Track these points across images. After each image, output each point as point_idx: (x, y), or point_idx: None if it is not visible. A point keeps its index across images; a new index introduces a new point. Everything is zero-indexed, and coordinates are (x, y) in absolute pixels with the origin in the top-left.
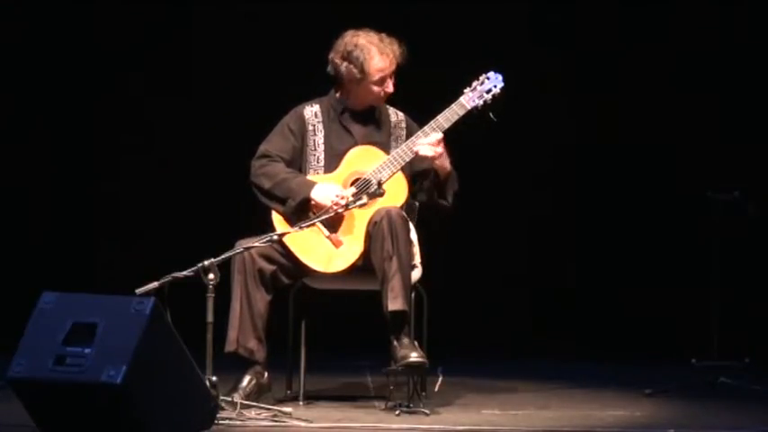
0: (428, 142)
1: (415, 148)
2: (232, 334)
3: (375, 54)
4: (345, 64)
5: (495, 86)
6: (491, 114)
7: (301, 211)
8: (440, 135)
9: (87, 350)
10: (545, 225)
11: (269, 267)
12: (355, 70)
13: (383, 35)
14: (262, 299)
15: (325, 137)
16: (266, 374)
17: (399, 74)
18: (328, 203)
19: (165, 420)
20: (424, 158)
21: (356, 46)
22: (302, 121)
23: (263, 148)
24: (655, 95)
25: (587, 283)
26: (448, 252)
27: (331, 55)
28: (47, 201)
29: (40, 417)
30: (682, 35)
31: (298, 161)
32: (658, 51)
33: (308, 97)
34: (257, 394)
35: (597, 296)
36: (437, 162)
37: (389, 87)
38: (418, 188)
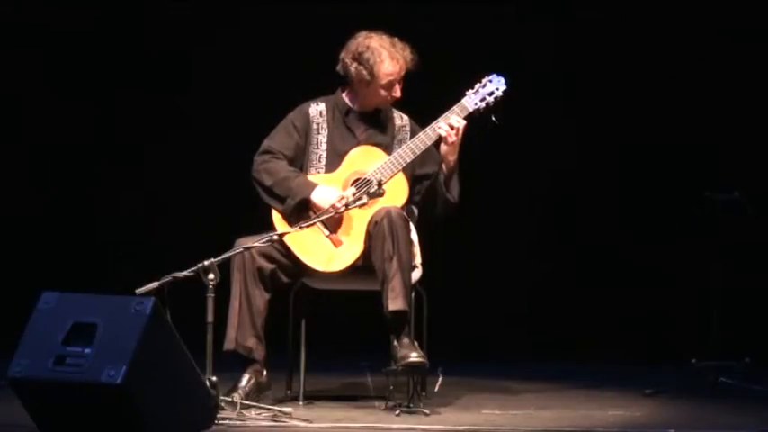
0: (450, 123)
1: (437, 125)
2: (231, 332)
3: (386, 58)
4: (355, 65)
5: (498, 89)
6: (493, 117)
7: (300, 211)
8: (464, 122)
9: (87, 350)
10: (545, 225)
11: (268, 266)
12: (365, 72)
13: (396, 39)
14: (261, 297)
15: (329, 136)
16: (265, 373)
17: (418, 63)
18: (327, 207)
19: (165, 420)
20: (435, 150)
21: (368, 48)
22: (307, 119)
23: (266, 144)
24: (655, 95)
25: (587, 282)
26: (448, 252)
27: (342, 54)
28: (47, 201)
29: (40, 417)
30: (679, 34)
31: (300, 159)
32: (658, 51)
33: (311, 96)
34: (257, 393)
35: (597, 296)
36: (444, 149)
37: (397, 92)
38: (416, 191)
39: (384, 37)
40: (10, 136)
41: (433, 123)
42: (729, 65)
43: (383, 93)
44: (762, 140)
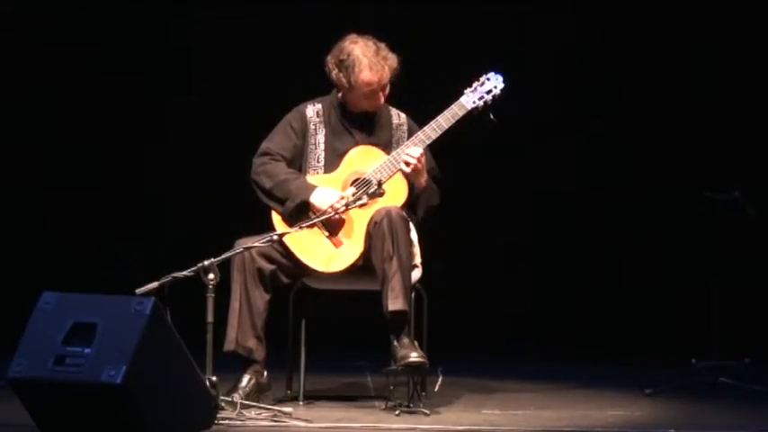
0: (410, 155)
1: (402, 158)
2: (231, 333)
3: (365, 68)
4: (336, 71)
5: (496, 87)
6: (491, 115)
7: (299, 213)
8: (420, 150)
9: (87, 350)
10: (545, 225)
11: (268, 267)
12: (344, 80)
13: (382, 46)
14: (261, 298)
15: (327, 136)
16: (265, 373)
17: (399, 73)
18: (327, 208)
19: (165, 420)
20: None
21: (349, 55)
22: (304, 120)
23: (264, 145)
24: (654, 95)
25: (587, 282)
26: (448, 252)
27: (328, 57)
28: (47, 201)
29: (40, 417)
30: (678, 33)
31: (298, 160)
32: (657, 50)
33: (309, 96)
34: (257, 394)
35: (597, 296)
36: (412, 177)
37: (380, 100)
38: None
39: (369, 43)
40: (10, 136)
41: (432, 122)
42: (729, 64)
43: (364, 100)
44: (762, 140)
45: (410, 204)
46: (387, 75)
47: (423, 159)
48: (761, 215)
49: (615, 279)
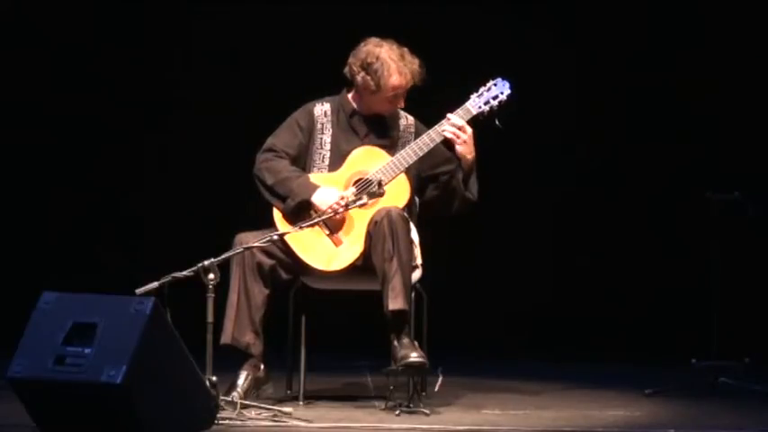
0: (454, 123)
1: (441, 129)
2: (228, 327)
3: (394, 72)
4: (363, 74)
5: (502, 93)
6: (497, 121)
7: (300, 211)
8: (465, 119)
9: (87, 350)
10: (545, 225)
11: (268, 262)
12: (371, 83)
13: (405, 50)
14: (260, 293)
15: (333, 136)
16: (263, 367)
17: (425, 76)
18: (327, 208)
19: (165, 420)
20: (448, 142)
21: (377, 59)
22: (311, 119)
23: (269, 141)
24: (654, 95)
25: (587, 282)
26: (448, 252)
27: (351, 59)
28: (47, 200)
29: (40, 417)
30: (679, 32)
31: (303, 158)
32: (658, 50)
33: (313, 95)
34: (255, 389)
35: (597, 296)
36: (459, 148)
37: (401, 104)
38: (433, 186)
39: (394, 47)
40: (8, 134)
41: (437, 126)
42: (729, 63)
43: (387, 104)
44: (762, 140)
45: (465, 183)
46: (412, 79)
47: (468, 131)
48: (761, 216)
49: (615, 279)
